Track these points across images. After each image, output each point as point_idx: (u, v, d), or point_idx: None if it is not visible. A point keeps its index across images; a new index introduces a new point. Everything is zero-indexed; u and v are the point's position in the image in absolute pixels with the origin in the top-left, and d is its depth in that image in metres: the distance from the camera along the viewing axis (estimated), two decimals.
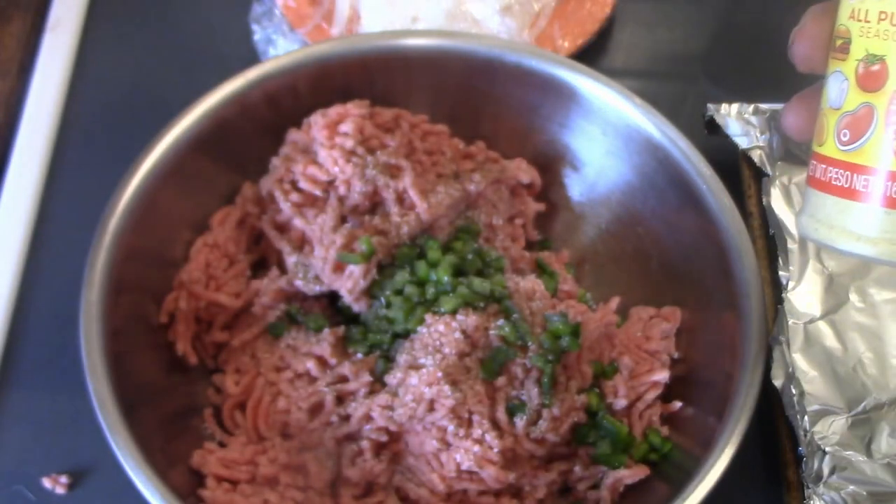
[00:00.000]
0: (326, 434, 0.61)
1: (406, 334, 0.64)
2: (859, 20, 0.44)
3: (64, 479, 0.67)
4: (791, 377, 0.66)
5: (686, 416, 0.65)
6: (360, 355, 0.65)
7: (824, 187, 0.46)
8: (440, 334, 0.61)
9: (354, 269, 0.64)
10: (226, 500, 0.59)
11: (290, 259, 0.67)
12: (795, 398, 0.65)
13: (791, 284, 0.71)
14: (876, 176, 0.43)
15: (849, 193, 0.44)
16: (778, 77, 0.86)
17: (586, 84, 0.69)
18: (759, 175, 0.76)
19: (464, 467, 0.59)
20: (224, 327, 0.68)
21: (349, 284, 0.64)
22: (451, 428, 0.59)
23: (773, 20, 0.89)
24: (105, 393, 0.57)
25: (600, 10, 0.86)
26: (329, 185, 0.67)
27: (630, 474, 0.62)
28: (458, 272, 0.65)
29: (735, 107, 0.78)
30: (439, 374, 0.59)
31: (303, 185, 0.67)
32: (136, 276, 0.63)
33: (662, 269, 0.70)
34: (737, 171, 0.77)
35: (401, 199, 0.67)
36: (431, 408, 0.59)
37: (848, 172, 0.44)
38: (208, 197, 0.70)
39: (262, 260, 0.71)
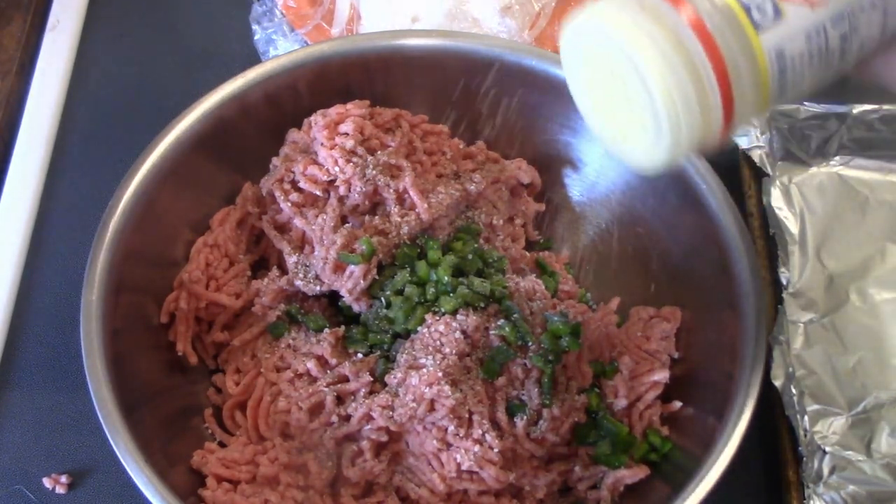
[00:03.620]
0: (326, 434, 0.61)
1: (406, 334, 0.64)
2: None
3: (64, 479, 0.67)
4: (791, 377, 0.66)
5: (686, 416, 0.65)
6: (360, 355, 0.65)
7: None
8: (440, 334, 0.61)
9: (354, 269, 0.64)
10: (226, 500, 0.59)
11: (291, 259, 0.67)
12: (795, 398, 0.65)
13: (791, 284, 0.71)
14: None
15: None
16: None
17: None
18: (759, 175, 0.76)
19: (464, 467, 0.59)
20: (224, 327, 0.68)
21: (349, 284, 0.64)
22: (451, 428, 0.59)
23: None
24: (105, 393, 0.57)
25: None
26: (329, 185, 0.67)
27: (630, 474, 0.62)
28: (459, 272, 0.65)
29: None
30: (439, 374, 0.59)
31: (303, 185, 0.67)
32: (136, 276, 0.63)
33: (662, 269, 0.70)
34: (737, 171, 0.77)
35: (401, 199, 0.67)
36: (432, 408, 0.59)
37: None
38: (208, 197, 0.70)
39: (263, 260, 0.71)
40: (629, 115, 0.46)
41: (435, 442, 0.59)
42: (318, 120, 0.68)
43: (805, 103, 0.77)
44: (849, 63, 0.47)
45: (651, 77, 0.43)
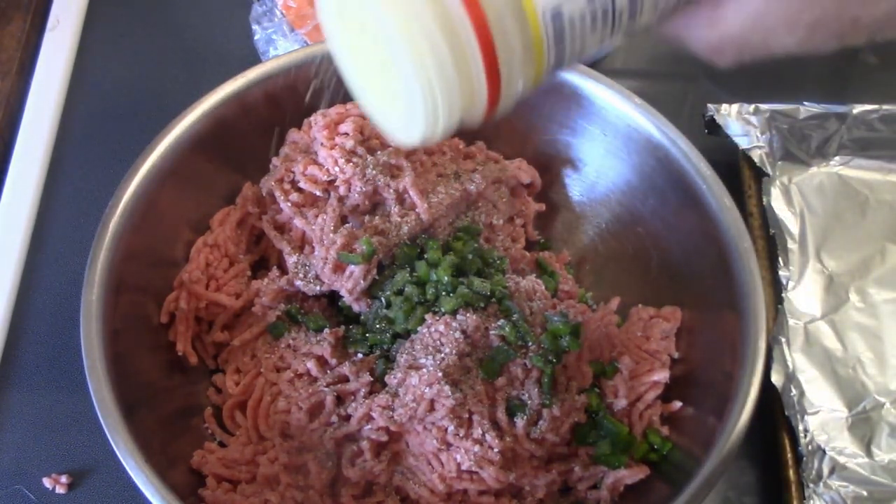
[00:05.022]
0: (326, 434, 0.61)
1: (406, 334, 0.64)
2: None
3: (64, 479, 0.67)
4: (791, 377, 0.66)
5: (686, 416, 0.65)
6: (360, 355, 0.65)
7: None
8: (440, 334, 0.61)
9: (354, 270, 0.64)
10: (226, 500, 0.59)
11: (291, 259, 0.67)
12: (795, 398, 0.65)
13: (791, 284, 0.71)
14: None
15: None
16: (778, 77, 0.86)
17: (587, 84, 0.69)
18: (759, 175, 0.76)
19: (464, 467, 0.59)
20: (224, 327, 0.68)
21: (349, 284, 0.64)
22: (451, 428, 0.59)
23: None
24: (105, 393, 0.57)
25: None
26: (329, 185, 0.67)
27: (630, 474, 0.62)
28: (459, 272, 0.65)
29: (735, 107, 0.78)
30: (439, 374, 0.59)
31: (303, 185, 0.67)
32: (136, 276, 0.63)
33: (662, 269, 0.70)
34: (737, 171, 0.77)
35: (401, 199, 0.67)
36: (431, 408, 0.59)
37: None
38: (208, 197, 0.70)
39: (262, 260, 0.71)
40: (384, 82, 0.40)
41: (435, 442, 0.59)
42: (318, 120, 0.68)
43: (805, 103, 0.78)
44: (641, 24, 0.41)
45: (399, 38, 0.36)
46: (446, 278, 0.63)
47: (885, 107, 0.78)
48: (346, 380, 0.63)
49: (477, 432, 0.59)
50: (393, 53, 0.37)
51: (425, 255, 0.65)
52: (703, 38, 0.42)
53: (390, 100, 0.41)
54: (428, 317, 0.62)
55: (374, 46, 0.39)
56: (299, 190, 0.68)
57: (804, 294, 0.71)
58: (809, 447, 0.64)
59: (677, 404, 0.65)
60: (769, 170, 0.75)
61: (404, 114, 0.40)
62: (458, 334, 0.61)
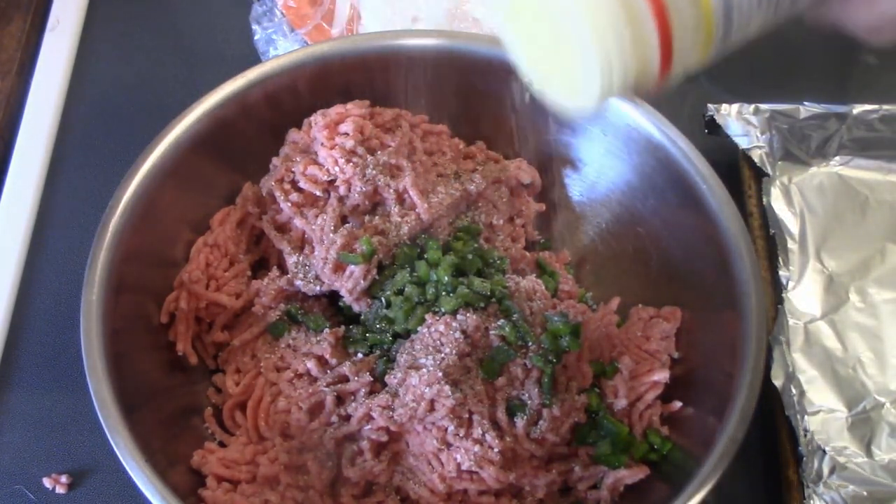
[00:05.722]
0: (327, 434, 0.61)
1: (406, 334, 0.64)
2: None
3: (64, 478, 0.67)
4: (791, 377, 0.66)
5: (686, 416, 0.65)
6: (360, 355, 0.65)
7: None
8: (440, 334, 0.61)
9: (354, 269, 0.64)
10: (226, 500, 0.59)
11: (291, 259, 0.67)
12: (795, 398, 0.65)
13: (791, 284, 0.71)
14: None
15: None
16: (778, 77, 0.87)
17: None
18: (759, 175, 0.76)
19: (464, 467, 0.59)
20: (224, 327, 0.68)
21: (349, 284, 0.64)
22: (451, 428, 0.59)
23: None
24: (105, 393, 0.57)
25: None
26: (329, 185, 0.67)
27: (630, 474, 0.62)
28: (459, 272, 0.65)
29: (735, 107, 0.78)
30: (439, 374, 0.59)
31: (303, 185, 0.67)
32: (136, 276, 0.63)
33: (662, 269, 0.70)
34: (737, 171, 0.77)
35: (401, 199, 0.67)
36: (431, 408, 0.59)
37: None
38: (208, 197, 0.70)
39: (263, 260, 0.71)
40: (559, 52, 0.43)
41: (435, 442, 0.59)
42: (318, 120, 0.68)
43: (805, 103, 0.78)
44: (802, 6, 0.44)
45: (582, 18, 0.40)
46: (446, 278, 0.63)
47: (885, 107, 0.78)
48: (346, 380, 0.63)
49: (477, 432, 0.59)
50: (575, 31, 0.40)
51: (425, 255, 0.65)
52: (861, 18, 0.44)
53: (564, 73, 0.44)
54: (428, 317, 0.62)
55: (550, 26, 0.42)
56: (299, 190, 0.68)
57: (804, 294, 0.71)
58: (809, 447, 0.64)
59: (677, 404, 0.65)
60: (769, 170, 0.75)
61: (579, 85, 0.43)
62: (458, 334, 0.61)
